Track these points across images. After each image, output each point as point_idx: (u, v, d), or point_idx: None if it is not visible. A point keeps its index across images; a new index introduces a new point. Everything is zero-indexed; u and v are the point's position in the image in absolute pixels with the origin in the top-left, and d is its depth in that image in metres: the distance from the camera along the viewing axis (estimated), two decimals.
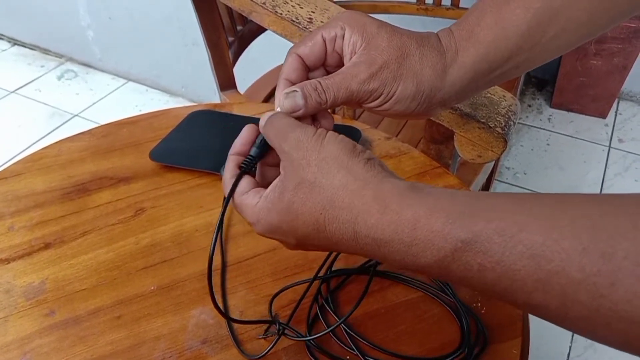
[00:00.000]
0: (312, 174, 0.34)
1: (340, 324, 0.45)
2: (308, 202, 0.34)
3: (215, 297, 0.50)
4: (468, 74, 0.41)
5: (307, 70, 0.42)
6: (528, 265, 0.27)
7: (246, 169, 0.39)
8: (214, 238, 0.39)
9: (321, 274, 0.50)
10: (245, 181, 0.39)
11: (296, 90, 0.39)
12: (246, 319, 0.48)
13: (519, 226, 0.28)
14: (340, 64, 0.42)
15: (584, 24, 0.41)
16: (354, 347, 0.45)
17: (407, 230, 0.31)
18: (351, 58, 0.40)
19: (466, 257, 0.29)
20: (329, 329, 0.45)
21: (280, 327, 0.45)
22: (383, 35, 0.39)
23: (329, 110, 0.42)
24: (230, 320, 0.47)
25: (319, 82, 0.39)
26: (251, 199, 0.38)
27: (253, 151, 0.40)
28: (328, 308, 0.48)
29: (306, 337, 0.46)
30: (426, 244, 0.30)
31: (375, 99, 0.40)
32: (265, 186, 0.39)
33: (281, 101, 0.39)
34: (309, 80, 0.40)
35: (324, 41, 0.40)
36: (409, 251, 0.31)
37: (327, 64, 0.42)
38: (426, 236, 0.30)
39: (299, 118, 0.39)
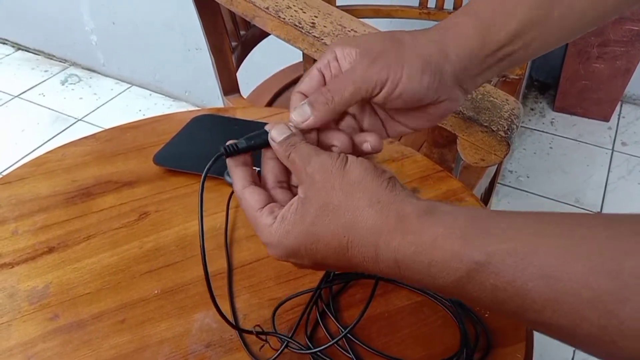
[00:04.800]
0: (337, 198, 0.34)
1: (344, 335, 0.45)
2: (331, 225, 0.34)
3: (220, 301, 0.50)
4: (471, 43, 0.40)
5: None
6: (539, 285, 0.28)
7: (230, 152, 0.40)
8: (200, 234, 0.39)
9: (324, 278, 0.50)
10: (257, 194, 0.39)
11: (303, 103, 0.39)
12: (252, 329, 0.48)
13: (530, 247, 0.29)
14: None
15: (588, 6, 0.42)
16: (354, 356, 0.45)
17: (426, 251, 0.32)
18: None
19: (480, 278, 0.30)
20: (333, 342, 0.45)
21: (284, 341, 0.45)
22: (375, 36, 0.40)
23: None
24: (240, 331, 0.46)
25: (323, 87, 0.40)
26: (265, 218, 0.37)
27: (241, 143, 0.40)
28: (330, 314, 0.48)
29: (311, 349, 0.45)
30: (443, 264, 0.31)
31: (384, 85, 0.39)
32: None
33: (290, 116, 0.40)
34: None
35: (320, 72, 0.41)
36: (427, 272, 0.32)
37: None
38: (443, 257, 0.31)
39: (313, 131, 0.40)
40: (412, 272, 0.33)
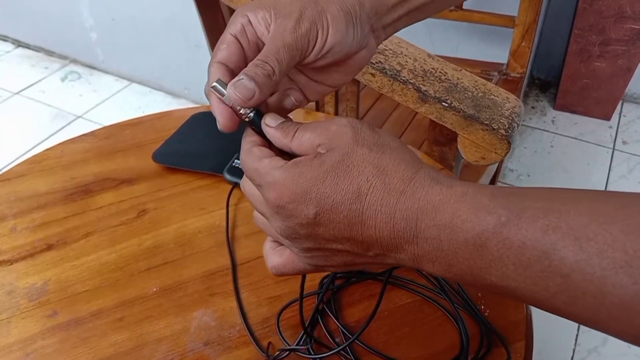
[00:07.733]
0: (366, 147, 0.34)
1: (350, 342, 0.45)
2: (360, 164, 0.33)
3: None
4: None
5: (235, 75, 0.38)
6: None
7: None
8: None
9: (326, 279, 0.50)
10: (264, 149, 0.37)
11: (241, 78, 0.36)
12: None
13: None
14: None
15: None
16: (353, 357, 0.45)
17: (453, 200, 0.31)
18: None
19: (508, 232, 0.29)
20: (340, 348, 0.45)
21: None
22: None
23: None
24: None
25: (256, 58, 0.37)
26: (276, 161, 0.35)
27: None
28: (330, 314, 0.48)
29: (315, 355, 0.45)
30: (469, 215, 0.30)
31: (315, 42, 0.37)
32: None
33: (230, 94, 0.36)
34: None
35: (236, 39, 0.38)
36: (449, 223, 0.30)
37: (251, 59, 0.38)
38: (469, 209, 0.30)
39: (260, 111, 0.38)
40: (430, 225, 0.31)
